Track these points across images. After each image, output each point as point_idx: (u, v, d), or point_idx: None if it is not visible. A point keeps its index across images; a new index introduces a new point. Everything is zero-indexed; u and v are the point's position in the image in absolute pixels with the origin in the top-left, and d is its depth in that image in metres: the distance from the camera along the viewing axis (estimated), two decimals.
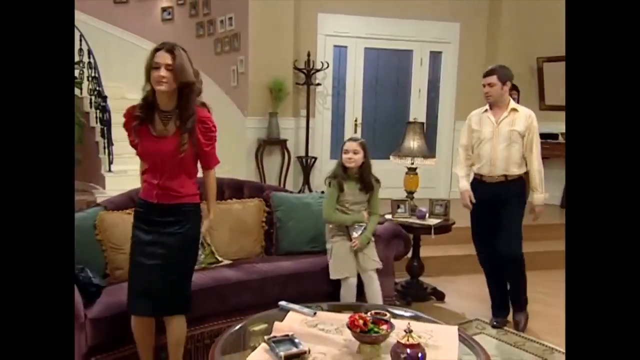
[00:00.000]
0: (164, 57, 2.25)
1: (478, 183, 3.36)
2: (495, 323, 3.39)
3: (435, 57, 6.37)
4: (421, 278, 3.98)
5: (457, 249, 4.60)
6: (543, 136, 6.02)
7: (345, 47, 6.10)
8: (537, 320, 3.53)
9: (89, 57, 5.95)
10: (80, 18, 6.68)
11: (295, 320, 2.30)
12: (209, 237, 3.22)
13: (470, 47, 6.29)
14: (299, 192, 5.55)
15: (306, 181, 5.80)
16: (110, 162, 5.49)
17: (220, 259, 3.23)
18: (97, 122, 5.88)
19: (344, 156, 3.12)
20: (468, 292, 4.04)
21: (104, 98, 5.62)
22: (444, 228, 3.76)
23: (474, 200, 3.33)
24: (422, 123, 4.13)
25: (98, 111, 5.82)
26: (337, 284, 3.08)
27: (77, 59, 5.97)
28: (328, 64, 5.89)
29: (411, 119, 4.41)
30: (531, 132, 3.22)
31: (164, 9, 6.97)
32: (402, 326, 1.95)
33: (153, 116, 2.33)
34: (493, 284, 3.49)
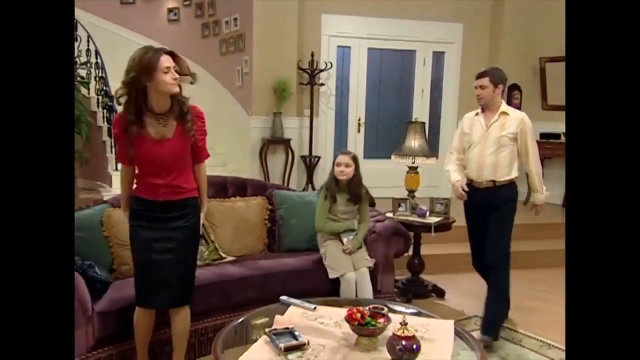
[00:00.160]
0: (169, 60, 2.31)
1: (469, 187, 3.24)
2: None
3: (438, 57, 6.42)
4: (422, 275, 4.04)
5: (458, 247, 4.64)
6: (545, 136, 6.13)
7: (349, 47, 6.16)
8: (536, 316, 3.58)
9: (96, 58, 6.04)
10: (88, 19, 6.79)
11: (296, 314, 2.37)
12: (212, 233, 3.30)
13: (472, 47, 6.33)
14: (303, 190, 5.61)
15: (310, 180, 5.87)
16: (117, 162, 5.58)
17: (223, 255, 3.30)
18: (104, 122, 5.97)
19: (336, 169, 3.24)
20: (468, 290, 4.09)
21: (111, 98, 5.71)
22: (444, 226, 3.82)
23: (466, 189, 3.22)
24: (423, 123, 4.19)
25: (105, 111, 5.91)
26: (337, 282, 3.14)
27: (84, 59, 6.07)
28: (332, 64, 5.96)
29: (413, 119, 4.47)
30: (524, 135, 3.11)
31: (170, 10, 7.05)
32: (399, 320, 2.01)
33: (144, 121, 2.32)
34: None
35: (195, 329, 2.87)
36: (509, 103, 6.33)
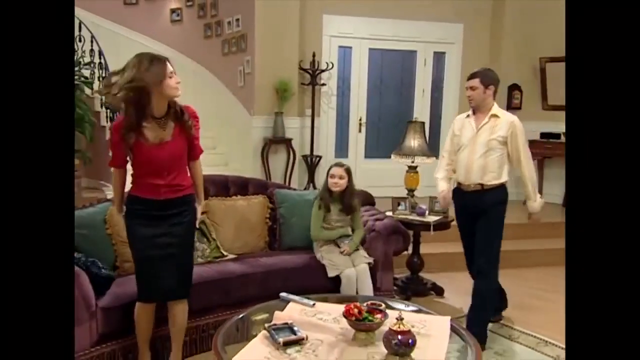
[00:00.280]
0: (170, 66, 2.40)
1: (457, 191, 3.22)
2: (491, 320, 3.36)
3: (439, 57, 6.45)
4: (421, 274, 4.07)
5: (457, 246, 4.63)
6: (545, 135, 6.15)
7: (350, 47, 6.20)
8: (535, 314, 3.61)
9: (100, 58, 6.10)
10: (91, 19, 6.85)
11: (295, 310, 2.41)
12: (214, 231, 3.35)
13: (473, 47, 6.36)
14: (304, 189, 5.66)
15: (311, 179, 5.91)
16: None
17: (225, 253, 3.35)
18: (107, 121, 6.03)
19: (330, 180, 3.33)
20: (466, 288, 4.08)
21: None
22: (443, 225, 3.85)
23: (450, 201, 3.27)
24: (423, 122, 4.22)
25: (108, 111, 5.97)
26: (338, 279, 3.19)
27: (87, 59, 6.13)
28: (333, 65, 6.00)
29: (413, 119, 4.50)
30: (514, 140, 3.01)
31: (172, 10, 7.10)
32: (396, 316, 2.05)
33: (144, 126, 2.37)
34: None
35: (197, 326, 2.92)
36: (509, 103, 6.39)
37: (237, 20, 6.11)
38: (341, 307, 2.25)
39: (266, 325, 2.17)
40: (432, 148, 5.79)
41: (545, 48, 6.03)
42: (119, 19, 7.33)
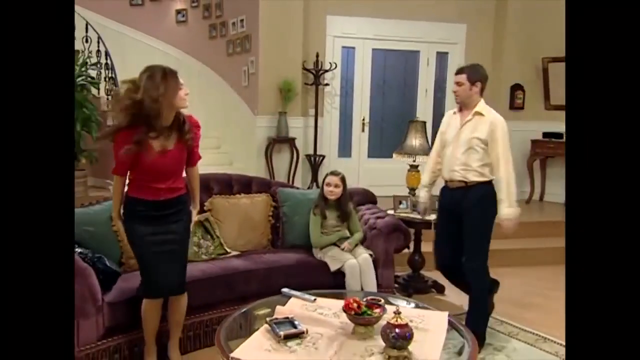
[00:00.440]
0: (179, 78, 2.51)
1: (443, 188, 3.16)
2: None
3: (442, 57, 6.48)
4: (422, 272, 4.11)
5: None
6: (548, 135, 6.18)
7: (353, 48, 6.25)
8: (535, 312, 3.65)
9: (106, 59, 6.17)
10: (98, 20, 6.93)
11: (296, 305, 2.47)
12: (218, 229, 3.41)
13: (476, 47, 6.39)
14: (308, 189, 5.71)
15: (314, 179, 5.96)
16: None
17: (228, 250, 3.41)
18: (113, 121, 6.09)
19: (326, 189, 3.43)
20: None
21: None
22: None
23: (425, 212, 3.29)
24: (424, 122, 4.26)
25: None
26: (340, 275, 3.24)
27: (94, 60, 6.21)
28: (336, 65, 6.05)
29: (415, 119, 4.54)
30: (494, 141, 2.90)
31: (178, 11, 7.18)
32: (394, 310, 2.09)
33: (149, 136, 2.44)
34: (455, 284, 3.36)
35: (201, 321, 2.98)
36: (512, 103, 6.42)
37: (242, 21, 6.18)
38: (341, 302, 2.29)
39: (268, 319, 2.23)
40: (431, 146, 5.82)
41: (548, 48, 6.05)
42: (125, 19, 7.42)
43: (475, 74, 2.98)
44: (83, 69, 5.81)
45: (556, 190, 6.17)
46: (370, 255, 3.32)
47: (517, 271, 4.57)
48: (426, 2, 6.21)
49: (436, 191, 3.34)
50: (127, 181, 2.57)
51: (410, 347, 1.99)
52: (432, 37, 6.33)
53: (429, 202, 3.39)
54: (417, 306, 2.59)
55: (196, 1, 6.93)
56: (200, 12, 6.91)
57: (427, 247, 4.16)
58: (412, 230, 3.76)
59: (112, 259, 2.93)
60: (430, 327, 2.25)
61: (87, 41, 6.28)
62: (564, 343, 2.85)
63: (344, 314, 2.23)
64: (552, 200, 6.22)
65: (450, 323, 2.33)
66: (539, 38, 6.13)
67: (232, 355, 1.98)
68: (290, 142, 5.87)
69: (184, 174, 2.68)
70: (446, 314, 2.41)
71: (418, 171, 4.12)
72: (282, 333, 2.10)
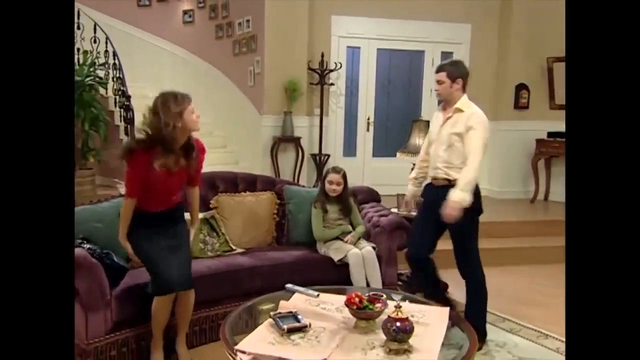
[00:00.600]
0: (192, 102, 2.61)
1: (428, 184, 3.16)
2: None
3: (447, 57, 6.45)
4: None
5: None
6: (552, 135, 6.19)
7: (358, 48, 6.29)
8: (537, 310, 3.67)
9: (114, 59, 6.25)
10: (106, 21, 7.02)
11: (300, 300, 2.51)
12: (223, 226, 3.47)
13: (481, 47, 6.42)
14: (313, 187, 5.76)
15: (319, 178, 6.00)
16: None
17: (234, 247, 3.46)
18: (121, 121, 6.17)
19: (329, 186, 3.50)
20: None
21: (128, 98, 5.91)
22: None
23: (413, 207, 3.22)
24: (427, 121, 4.29)
25: (122, 110, 6.11)
26: (343, 272, 3.29)
27: (102, 60, 6.29)
28: (341, 65, 6.10)
29: (419, 118, 4.58)
30: (469, 134, 2.86)
31: (185, 12, 7.25)
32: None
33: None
34: (420, 278, 3.32)
35: (207, 316, 3.03)
36: (516, 102, 6.44)
37: (248, 21, 6.23)
38: (344, 298, 2.33)
39: (272, 313, 2.27)
40: None
41: (553, 48, 6.07)
42: (133, 20, 7.50)
43: (455, 72, 2.95)
44: (91, 69, 5.89)
45: (561, 190, 6.17)
46: (374, 247, 3.38)
47: (521, 269, 4.60)
48: (431, 2, 6.24)
49: None
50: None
51: (410, 341, 2.04)
52: (437, 37, 6.37)
53: (413, 198, 3.39)
54: (418, 302, 2.63)
55: (203, 2, 6.99)
56: (206, 13, 6.98)
57: None
58: None
59: (120, 255, 2.97)
60: (430, 321, 2.29)
61: (95, 42, 6.37)
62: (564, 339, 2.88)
63: (346, 309, 2.28)
64: (557, 199, 6.23)
65: (450, 318, 2.37)
66: (544, 38, 6.15)
67: (236, 347, 2.03)
68: (296, 141, 5.92)
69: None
70: (447, 309, 2.45)
71: None
72: (285, 327, 2.14)
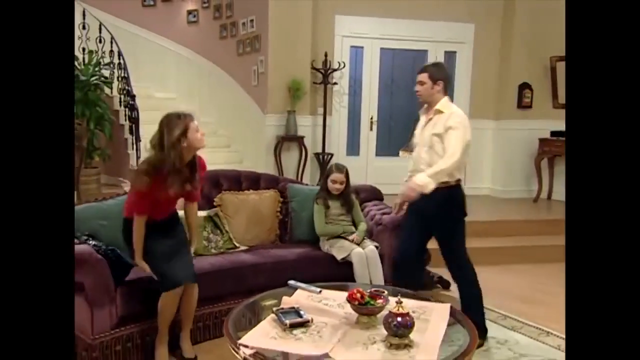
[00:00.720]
0: (196, 120, 2.69)
1: None
2: None
3: (450, 56, 6.53)
4: (428, 268, 4.16)
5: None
6: (556, 134, 6.19)
7: (362, 47, 6.32)
8: (540, 308, 3.69)
9: (119, 59, 6.30)
10: (111, 21, 7.07)
11: (302, 296, 2.54)
12: (227, 224, 3.50)
13: (484, 46, 6.44)
14: (317, 185, 5.78)
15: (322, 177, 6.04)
16: (138, 157, 5.81)
17: (237, 245, 3.49)
18: (126, 120, 6.23)
19: (332, 185, 3.54)
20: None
21: (133, 97, 5.96)
22: None
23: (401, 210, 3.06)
24: None
25: (127, 109, 6.17)
26: (346, 269, 3.31)
27: (107, 59, 6.34)
28: (345, 64, 6.13)
29: None
30: (448, 133, 2.84)
31: (189, 12, 7.29)
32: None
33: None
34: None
35: (210, 312, 3.07)
36: (519, 102, 6.45)
37: (252, 21, 6.27)
38: (346, 294, 2.36)
39: (274, 309, 2.30)
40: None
41: (556, 47, 6.07)
42: (138, 20, 7.55)
43: (437, 73, 2.97)
44: (96, 68, 5.94)
45: (563, 189, 6.14)
46: (376, 246, 3.41)
47: (523, 268, 4.61)
48: (434, 1, 6.26)
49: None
50: (126, 205, 2.77)
51: (411, 336, 2.06)
52: (440, 37, 6.38)
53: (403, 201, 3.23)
54: (420, 298, 2.64)
55: (207, 2, 7.04)
56: (211, 13, 7.02)
57: (433, 244, 4.21)
58: None
59: (125, 251, 3.02)
60: (431, 317, 2.31)
61: (100, 41, 6.42)
62: None
63: (348, 305, 2.30)
64: (560, 198, 6.24)
65: (452, 314, 2.39)
66: (547, 37, 6.16)
67: (239, 342, 2.05)
68: (299, 140, 5.95)
69: (182, 209, 2.93)
70: (448, 305, 2.46)
71: None
72: (287, 322, 2.17)
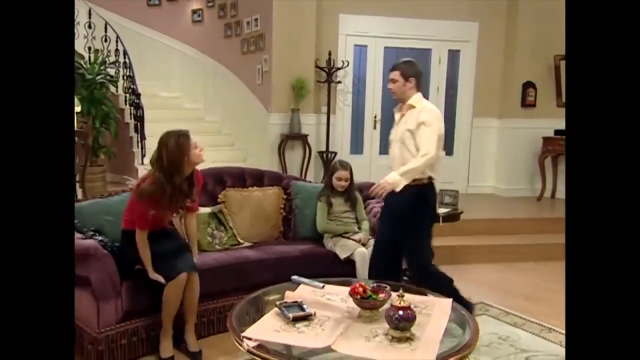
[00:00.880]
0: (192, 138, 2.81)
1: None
2: None
3: (454, 55, 6.53)
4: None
5: (468, 239, 4.81)
6: (559, 133, 6.19)
7: (365, 46, 6.33)
8: (542, 305, 3.69)
9: (124, 57, 6.35)
10: (116, 20, 7.12)
11: (305, 291, 2.56)
12: (231, 220, 3.53)
13: (488, 45, 6.44)
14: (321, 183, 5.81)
15: (326, 175, 6.06)
16: (143, 155, 5.87)
17: (241, 241, 3.52)
18: (131, 118, 6.27)
19: (337, 182, 3.57)
20: (476, 279, 4.24)
21: (138, 96, 6.01)
22: (452, 217, 3.97)
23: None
24: None
25: (132, 108, 6.21)
26: (349, 266, 3.34)
27: (113, 58, 6.39)
28: (348, 63, 6.15)
29: None
30: (419, 129, 2.87)
31: (194, 11, 7.33)
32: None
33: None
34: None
35: (214, 308, 3.09)
36: (523, 100, 6.44)
37: (256, 20, 6.30)
38: (348, 289, 2.38)
39: (277, 303, 2.33)
40: (446, 144, 5.85)
41: (560, 46, 6.02)
42: (143, 20, 7.60)
43: (408, 70, 3.00)
44: (102, 67, 5.99)
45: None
46: None
47: (527, 266, 4.62)
48: (438, 0, 6.27)
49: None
50: (125, 217, 2.84)
51: (412, 329, 2.08)
52: (444, 35, 6.39)
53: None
54: (422, 294, 2.66)
55: (212, 1, 7.07)
56: (215, 12, 7.05)
57: (436, 241, 4.21)
58: None
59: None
60: (433, 312, 2.34)
61: (106, 40, 6.47)
62: None
63: (350, 300, 2.33)
64: (564, 197, 6.20)
65: (453, 309, 2.41)
66: (551, 36, 6.15)
67: (243, 334, 2.08)
68: (303, 138, 5.97)
69: (180, 219, 3.08)
70: (450, 300, 2.49)
71: None
72: (291, 315, 2.20)
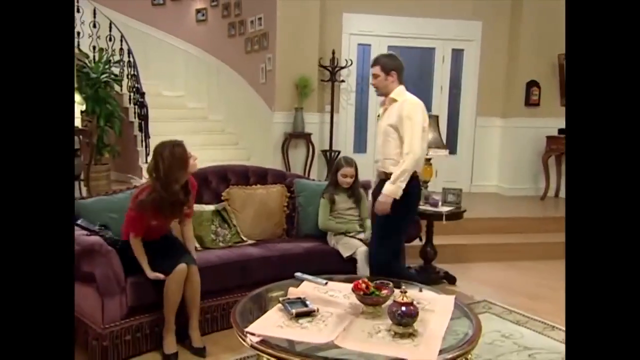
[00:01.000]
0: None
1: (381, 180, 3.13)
2: None
3: (457, 54, 6.53)
4: (434, 263, 4.19)
5: (471, 238, 4.81)
6: (563, 132, 6.17)
7: (369, 45, 6.33)
8: (545, 304, 3.69)
9: (129, 56, 6.37)
10: (121, 19, 7.16)
11: (308, 288, 2.57)
12: (234, 218, 3.54)
13: (492, 44, 6.44)
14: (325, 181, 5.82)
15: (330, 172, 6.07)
16: (147, 154, 5.89)
17: (244, 238, 3.53)
18: (135, 117, 6.30)
19: (343, 179, 3.57)
20: (479, 278, 4.24)
21: (142, 95, 6.03)
22: (455, 215, 3.97)
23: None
24: (437, 116, 4.35)
25: (136, 107, 6.24)
26: (352, 263, 3.35)
27: (117, 57, 6.42)
28: (352, 62, 6.16)
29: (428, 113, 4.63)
30: (401, 124, 2.89)
31: (198, 11, 7.35)
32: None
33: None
34: None
35: (218, 304, 3.11)
36: (527, 99, 6.44)
37: (260, 19, 6.31)
38: (351, 286, 2.39)
39: (281, 299, 2.34)
40: (450, 143, 5.87)
41: (564, 45, 6.03)
42: (147, 19, 7.63)
43: (389, 64, 3.02)
44: (107, 66, 6.02)
45: None
46: None
47: (530, 265, 4.62)
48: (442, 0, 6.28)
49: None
50: (124, 229, 2.87)
51: (415, 325, 2.09)
52: (447, 34, 6.39)
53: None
54: (425, 290, 2.67)
55: (216, 0, 7.09)
56: (219, 11, 7.07)
57: (439, 239, 4.25)
58: (424, 222, 3.85)
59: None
60: (436, 308, 2.34)
61: (110, 40, 6.50)
62: None
63: (353, 296, 2.33)
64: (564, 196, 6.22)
65: (456, 306, 2.41)
66: (555, 35, 6.12)
67: (246, 330, 2.09)
68: (307, 137, 5.98)
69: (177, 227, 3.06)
70: (453, 297, 2.49)
71: (430, 164, 4.20)
72: (294, 311, 2.21)
